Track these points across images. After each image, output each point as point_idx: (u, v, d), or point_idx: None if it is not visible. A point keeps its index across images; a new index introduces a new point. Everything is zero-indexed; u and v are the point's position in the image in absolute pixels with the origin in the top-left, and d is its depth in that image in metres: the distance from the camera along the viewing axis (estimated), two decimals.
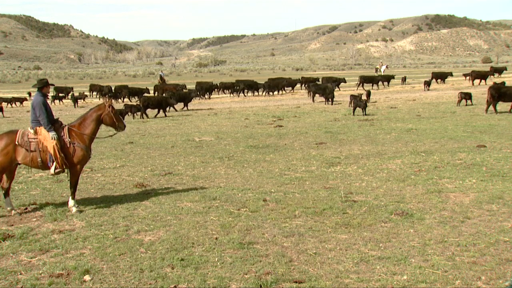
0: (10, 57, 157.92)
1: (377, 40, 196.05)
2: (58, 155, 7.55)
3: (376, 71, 62.31)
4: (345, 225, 6.75)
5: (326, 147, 13.53)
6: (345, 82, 40.42)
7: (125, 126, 8.30)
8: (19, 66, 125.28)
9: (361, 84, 39.21)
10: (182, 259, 5.62)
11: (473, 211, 7.23)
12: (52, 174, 7.89)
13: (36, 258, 5.81)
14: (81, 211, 7.66)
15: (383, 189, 8.70)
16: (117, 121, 8.11)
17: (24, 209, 7.94)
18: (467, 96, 24.03)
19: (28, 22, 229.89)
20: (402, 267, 5.33)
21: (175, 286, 4.98)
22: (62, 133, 7.75)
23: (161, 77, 44.09)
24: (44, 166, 7.73)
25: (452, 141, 13.68)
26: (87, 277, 5.21)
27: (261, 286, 4.92)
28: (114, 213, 7.55)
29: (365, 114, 20.95)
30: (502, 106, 23.02)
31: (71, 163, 7.77)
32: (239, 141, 15.01)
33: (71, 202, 7.79)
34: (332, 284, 4.97)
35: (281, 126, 18.44)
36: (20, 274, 5.37)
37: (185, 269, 5.35)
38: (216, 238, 6.31)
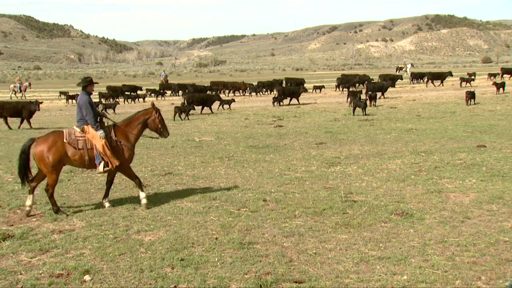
0: (10, 57, 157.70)
1: (377, 40, 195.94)
2: (108, 153, 7.60)
3: (397, 70, 61.48)
4: (345, 225, 6.75)
5: (326, 147, 13.53)
6: (401, 79, 41.51)
7: (168, 134, 8.38)
8: (19, 66, 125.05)
9: (430, 81, 39.99)
10: (182, 259, 5.62)
11: (473, 211, 7.23)
12: (100, 172, 7.91)
13: (36, 258, 5.81)
14: (149, 206, 7.73)
15: (383, 189, 8.70)
16: (162, 127, 8.20)
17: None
18: (471, 95, 24.16)
19: (28, 22, 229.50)
20: (402, 267, 5.33)
21: (175, 286, 4.98)
22: (109, 132, 7.82)
23: (166, 77, 45.03)
24: (91, 165, 7.76)
25: (452, 141, 13.67)
26: (87, 277, 5.21)
27: (261, 286, 4.92)
28: (114, 213, 7.55)
29: (365, 114, 20.95)
30: (502, 105, 23.06)
31: (119, 162, 7.81)
32: (239, 141, 15.01)
33: (142, 194, 7.87)
34: (332, 284, 4.97)
35: (281, 126, 18.44)
36: (20, 274, 5.37)
37: (185, 269, 5.36)
38: (216, 238, 6.31)
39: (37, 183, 7.87)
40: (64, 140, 7.57)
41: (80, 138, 7.66)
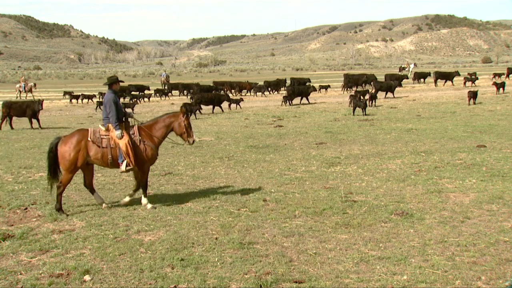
0: (10, 57, 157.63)
1: (377, 40, 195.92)
2: (130, 152, 7.60)
3: (400, 70, 61.41)
4: (345, 225, 6.75)
5: (326, 147, 13.53)
6: (407, 78, 41.81)
7: (194, 141, 8.22)
8: (19, 66, 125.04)
9: (435, 80, 40.18)
10: (182, 259, 5.62)
11: (473, 211, 7.23)
12: (122, 171, 7.93)
13: (36, 258, 5.81)
14: (155, 208, 7.72)
15: (383, 189, 8.70)
16: (187, 133, 8.06)
17: (24, 209, 7.93)
18: (473, 95, 24.21)
19: (28, 22, 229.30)
20: (402, 267, 5.33)
21: (175, 286, 4.98)
22: (133, 131, 7.81)
23: (167, 77, 45.32)
24: (114, 164, 7.76)
25: (452, 141, 13.67)
26: (87, 277, 5.21)
27: (261, 286, 4.91)
28: (114, 213, 7.55)
29: (365, 114, 20.95)
30: (502, 105, 23.06)
31: (141, 161, 7.82)
32: (239, 141, 15.01)
33: (144, 200, 7.87)
34: (332, 284, 4.97)
35: (281, 126, 18.44)
36: (20, 274, 5.37)
37: (185, 269, 5.35)
38: (216, 238, 6.31)
39: (90, 179, 8.05)
40: (89, 139, 7.60)
41: (105, 137, 7.69)
